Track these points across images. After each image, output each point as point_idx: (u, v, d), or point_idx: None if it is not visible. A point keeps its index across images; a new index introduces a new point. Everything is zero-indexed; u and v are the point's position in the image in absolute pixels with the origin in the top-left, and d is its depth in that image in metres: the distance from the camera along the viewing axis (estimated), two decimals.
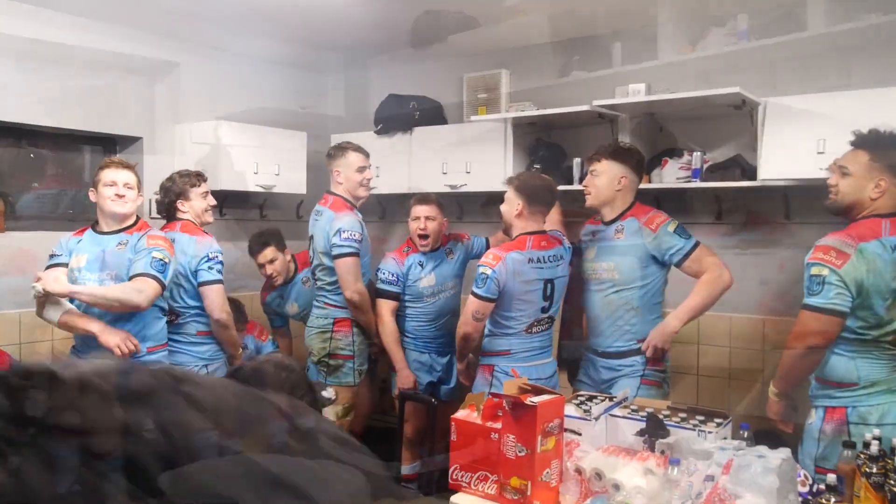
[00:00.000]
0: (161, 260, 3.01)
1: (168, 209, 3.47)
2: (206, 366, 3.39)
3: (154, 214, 3.70)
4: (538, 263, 3.17)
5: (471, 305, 3.17)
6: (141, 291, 2.93)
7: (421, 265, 3.73)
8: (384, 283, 3.72)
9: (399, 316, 3.76)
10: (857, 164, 2.49)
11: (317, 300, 3.80)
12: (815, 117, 3.03)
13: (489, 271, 3.09)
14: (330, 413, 3.82)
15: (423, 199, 3.75)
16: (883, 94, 3.01)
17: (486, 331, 3.30)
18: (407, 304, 3.76)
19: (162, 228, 3.37)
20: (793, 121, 3.14)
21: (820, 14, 3.35)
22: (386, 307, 3.70)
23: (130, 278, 2.98)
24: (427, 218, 3.68)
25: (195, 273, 3.29)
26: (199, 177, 3.49)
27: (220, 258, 3.35)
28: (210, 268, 3.30)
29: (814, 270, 2.43)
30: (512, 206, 3.20)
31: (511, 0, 3.52)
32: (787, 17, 3.42)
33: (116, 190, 3.05)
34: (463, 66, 4.56)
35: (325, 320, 3.73)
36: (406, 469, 3.82)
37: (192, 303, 3.34)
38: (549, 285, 3.19)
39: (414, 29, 4.38)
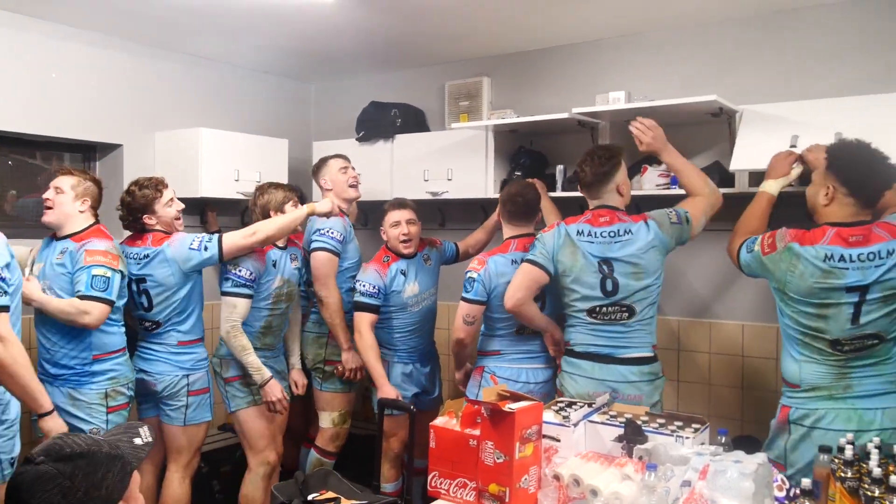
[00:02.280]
0: (102, 276, 2.96)
1: (132, 225, 3.35)
2: (186, 375, 3.35)
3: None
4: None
5: (461, 310, 3.28)
6: (88, 313, 2.93)
7: (404, 273, 3.65)
8: (365, 296, 3.58)
9: (381, 328, 3.67)
10: (818, 171, 2.60)
11: (314, 308, 3.80)
12: (790, 125, 3.07)
13: (475, 275, 3.25)
14: (326, 420, 3.80)
15: (400, 203, 3.71)
16: (856, 102, 3.06)
17: (481, 331, 3.39)
18: (391, 315, 3.67)
19: (131, 241, 3.34)
20: (768, 128, 3.17)
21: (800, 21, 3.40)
22: (365, 321, 3.57)
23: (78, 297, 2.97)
24: (408, 221, 3.65)
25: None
26: (158, 187, 3.33)
27: (200, 242, 3.28)
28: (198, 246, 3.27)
29: (751, 243, 2.70)
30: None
31: (492, 8, 3.53)
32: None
33: (47, 195, 3.08)
34: (444, 73, 4.58)
35: (320, 326, 3.73)
36: (390, 487, 3.69)
37: (172, 312, 3.31)
38: None
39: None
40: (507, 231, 3.41)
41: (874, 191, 2.49)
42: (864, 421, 2.43)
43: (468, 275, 3.27)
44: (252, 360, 3.37)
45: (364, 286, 3.59)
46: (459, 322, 3.29)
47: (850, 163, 2.49)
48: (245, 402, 3.50)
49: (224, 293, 3.39)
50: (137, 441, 1.52)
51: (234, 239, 3.28)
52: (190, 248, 3.25)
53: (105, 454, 1.43)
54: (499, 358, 3.35)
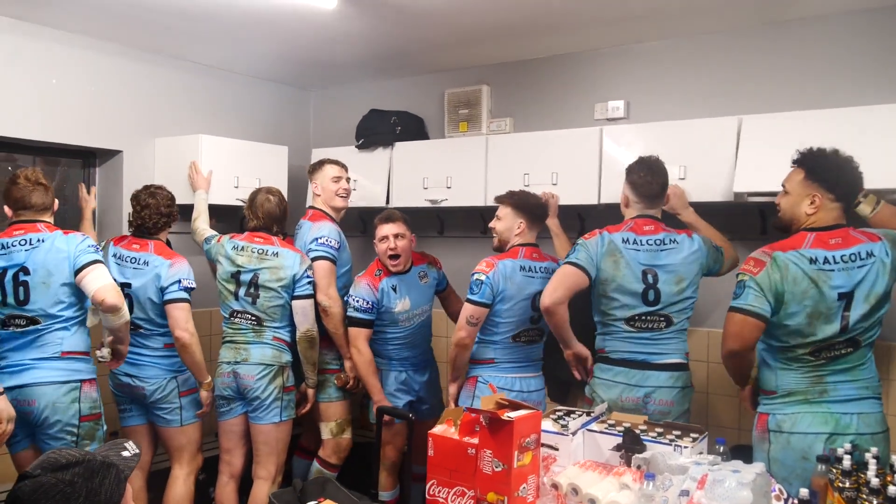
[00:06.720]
0: None
1: (151, 231, 3.49)
2: (175, 377, 3.43)
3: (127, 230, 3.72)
4: (530, 272, 3.29)
5: (465, 311, 3.26)
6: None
7: (395, 289, 3.58)
8: (358, 311, 3.54)
9: (374, 339, 3.63)
10: (793, 182, 2.63)
11: None
12: (790, 136, 3.07)
13: (484, 277, 3.22)
14: (325, 431, 3.76)
15: (388, 217, 3.60)
16: (854, 114, 3.07)
17: (476, 339, 3.35)
18: (383, 328, 3.63)
19: (128, 244, 3.47)
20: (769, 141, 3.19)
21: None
22: (361, 336, 3.55)
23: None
24: (396, 236, 3.55)
25: (164, 290, 3.34)
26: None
27: (192, 284, 3.39)
28: (180, 287, 3.34)
29: (738, 277, 2.60)
30: (511, 223, 3.36)
31: (492, 17, 3.54)
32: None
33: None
34: (444, 81, 4.59)
35: None
36: (387, 496, 3.66)
37: (160, 320, 3.40)
38: (539, 296, 3.15)
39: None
40: (519, 240, 3.36)
41: (857, 192, 2.61)
42: (841, 425, 2.47)
43: (476, 277, 3.24)
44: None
45: (357, 301, 3.55)
46: (462, 322, 3.26)
47: (833, 169, 2.55)
48: (294, 413, 3.58)
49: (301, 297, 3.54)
50: (125, 453, 1.58)
51: (180, 319, 3.32)
52: (174, 283, 3.35)
53: (99, 462, 1.47)
54: (493, 367, 3.34)
